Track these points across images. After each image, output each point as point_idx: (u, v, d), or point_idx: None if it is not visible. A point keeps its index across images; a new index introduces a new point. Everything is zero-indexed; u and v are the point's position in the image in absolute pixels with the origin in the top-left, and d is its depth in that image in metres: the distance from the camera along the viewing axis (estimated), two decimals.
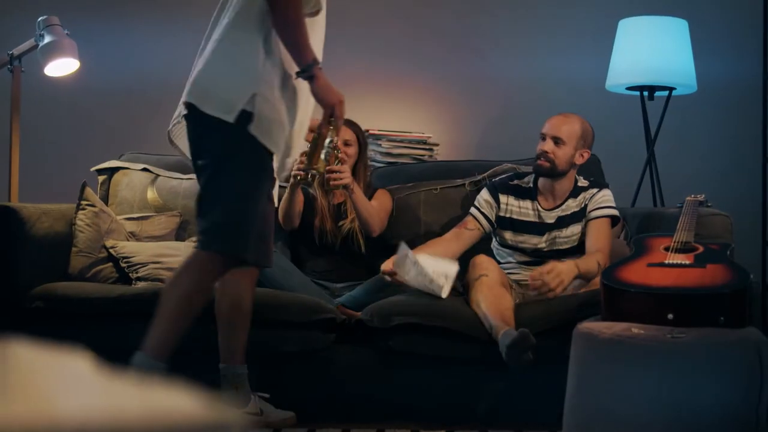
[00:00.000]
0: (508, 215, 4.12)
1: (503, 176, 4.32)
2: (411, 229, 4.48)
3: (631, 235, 4.25)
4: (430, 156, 4.95)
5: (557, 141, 4.01)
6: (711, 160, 5.26)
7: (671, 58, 4.75)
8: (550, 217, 4.07)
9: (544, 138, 4.04)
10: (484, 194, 4.20)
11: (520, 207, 4.13)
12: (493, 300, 3.70)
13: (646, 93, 4.88)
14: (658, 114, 4.89)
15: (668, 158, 5.02)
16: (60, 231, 4.04)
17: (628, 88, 4.93)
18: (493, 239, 4.24)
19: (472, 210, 4.19)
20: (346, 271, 4.24)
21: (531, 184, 4.16)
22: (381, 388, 3.79)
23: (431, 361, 3.76)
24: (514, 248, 4.07)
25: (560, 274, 3.71)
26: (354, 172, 4.33)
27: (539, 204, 4.10)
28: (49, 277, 3.88)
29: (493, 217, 4.15)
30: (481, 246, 4.17)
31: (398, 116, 5.24)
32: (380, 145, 4.84)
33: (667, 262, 3.32)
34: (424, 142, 4.96)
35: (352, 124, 4.42)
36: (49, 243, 3.96)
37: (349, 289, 4.12)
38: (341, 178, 3.98)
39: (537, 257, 3.93)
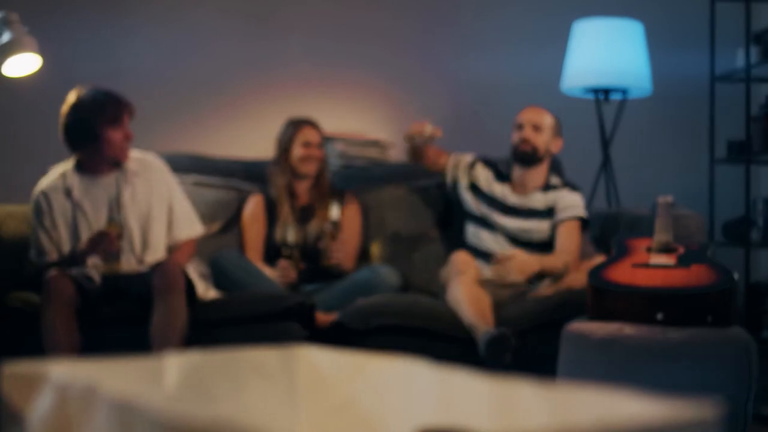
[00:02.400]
0: (476, 182, 4.29)
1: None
2: (378, 232, 4.47)
3: (594, 236, 4.31)
4: (384, 157, 4.94)
5: (536, 128, 4.19)
6: (666, 161, 5.35)
7: (626, 60, 4.80)
8: (514, 200, 4.17)
9: (521, 127, 4.21)
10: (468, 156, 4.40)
11: (489, 181, 4.28)
12: (473, 299, 3.70)
13: (601, 95, 4.93)
14: (613, 115, 4.95)
15: (623, 160, 5.08)
16: (26, 233, 3.93)
17: (584, 90, 4.96)
18: (467, 228, 4.26)
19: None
20: (314, 272, 4.19)
21: (507, 171, 4.29)
22: None
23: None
24: (478, 220, 4.14)
25: (522, 263, 3.82)
26: (319, 175, 4.37)
27: (509, 188, 4.21)
28: (15, 279, 3.78)
29: (460, 168, 4.33)
30: (459, 243, 4.21)
31: (349, 118, 5.21)
32: (335, 147, 4.81)
33: (651, 263, 3.37)
34: (378, 144, 4.95)
35: (316, 126, 4.41)
36: (15, 245, 3.86)
37: (317, 292, 4.08)
38: (338, 257, 4.18)
39: (503, 239, 4.04)
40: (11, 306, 3.63)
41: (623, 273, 3.33)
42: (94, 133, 3.80)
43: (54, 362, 0.74)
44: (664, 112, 5.34)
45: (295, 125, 4.40)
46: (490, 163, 4.35)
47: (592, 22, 4.86)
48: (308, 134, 4.37)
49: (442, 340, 3.70)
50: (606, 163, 4.95)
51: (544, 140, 4.20)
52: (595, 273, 3.35)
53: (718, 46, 5.21)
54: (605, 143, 4.97)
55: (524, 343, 3.55)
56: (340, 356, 0.83)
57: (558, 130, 4.27)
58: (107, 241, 3.67)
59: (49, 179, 3.87)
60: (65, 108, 3.85)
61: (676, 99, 5.31)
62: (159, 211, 3.92)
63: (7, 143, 4.91)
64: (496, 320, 3.66)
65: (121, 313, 3.64)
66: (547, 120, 4.23)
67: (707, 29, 5.21)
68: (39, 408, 0.69)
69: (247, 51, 5.23)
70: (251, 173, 4.62)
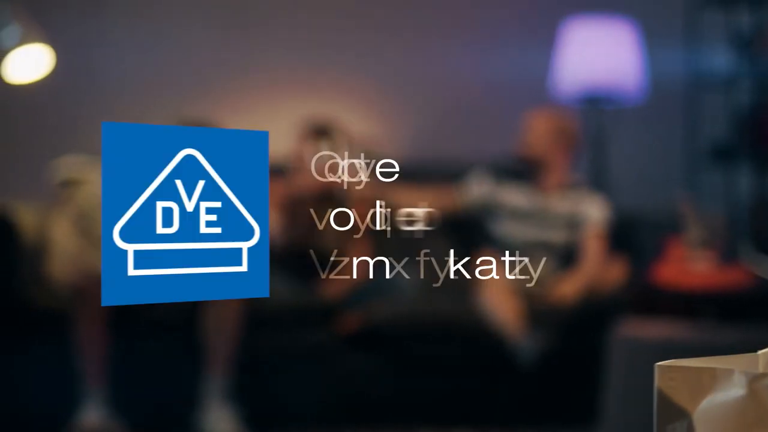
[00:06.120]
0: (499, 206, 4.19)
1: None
2: None
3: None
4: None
5: (534, 133, 4.15)
6: (661, 166, 5.26)
7: (619, 69, 4.73)
8: (530, 205, 4.12)
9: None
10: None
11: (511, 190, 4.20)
12: (504, 303, 3.69)
13: (595, 101, 4.84)
14: (608, 120, 4.90)
15: (620, 164, 4.99)
16: None
17: (575, 95, 4.86)
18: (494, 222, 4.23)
19: None
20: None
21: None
22: (394, 392, 3.75)
23: (441, 365, 3.75)
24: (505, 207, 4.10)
25: (573, 292, 3.80)
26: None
27: (525, 191, 4.16)
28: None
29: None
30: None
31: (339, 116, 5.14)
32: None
33: (692, 262, 3.41)
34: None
35: (335, 135, 4.31)
36: None
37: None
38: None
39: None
40: None
41: (667, 272, 3.36)
42: None
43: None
44: (662, 115, 5.25)
45: (314, 136, 4.29)
46: (495, 173, 4.26)
47: (583, 23, 4.77)
48: (326, 148, 4.25)
49: (474, 344, 3.71)
50: (601, 167, 4.86)
51: (541, 146, 4.14)
52: (640, 273, 3.39)
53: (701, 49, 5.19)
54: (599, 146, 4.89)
55: (562, 346, 3.59)
56: None
57: (564, 133, 4.20)
58: None
59: None
60: None
61: (674, 102, 5.23)
62: None
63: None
64: (530, 326, 3.66)
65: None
66: (543, 124, 4.18)
67: (689, 31, 5.17)
68: (723, 399, 0.84)
69: (234, 53, 5.15)
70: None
